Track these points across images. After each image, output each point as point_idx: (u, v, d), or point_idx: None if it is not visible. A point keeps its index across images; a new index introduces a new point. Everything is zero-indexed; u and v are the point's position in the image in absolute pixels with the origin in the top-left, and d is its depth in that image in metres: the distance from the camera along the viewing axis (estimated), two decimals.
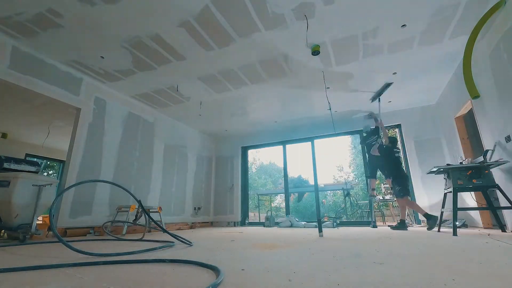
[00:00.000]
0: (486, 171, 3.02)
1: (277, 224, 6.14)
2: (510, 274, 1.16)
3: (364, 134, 5.65)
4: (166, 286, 1.09)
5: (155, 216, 4.75)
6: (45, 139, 7.14)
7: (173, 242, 2.61)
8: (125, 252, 1.94)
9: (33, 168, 3.42)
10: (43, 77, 3.69)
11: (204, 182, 7.04)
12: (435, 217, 3.83)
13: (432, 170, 3.46)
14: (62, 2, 2.79)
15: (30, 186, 3.07)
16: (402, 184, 4.35)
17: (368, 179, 5.43)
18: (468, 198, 4.19)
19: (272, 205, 13.58)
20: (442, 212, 3.60)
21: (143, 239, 3.10)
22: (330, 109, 5.37)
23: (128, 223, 3.93)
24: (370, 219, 6.17)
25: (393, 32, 3.35)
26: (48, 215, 5.30)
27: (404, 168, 5.17)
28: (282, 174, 7.61)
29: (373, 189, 5.28)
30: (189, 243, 2.55)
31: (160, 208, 4.66)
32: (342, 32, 3.34)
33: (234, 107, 5.62)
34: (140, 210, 4.08)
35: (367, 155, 5.49)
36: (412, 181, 5.35)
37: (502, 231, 3.15)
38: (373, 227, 4.97)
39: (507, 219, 3.20)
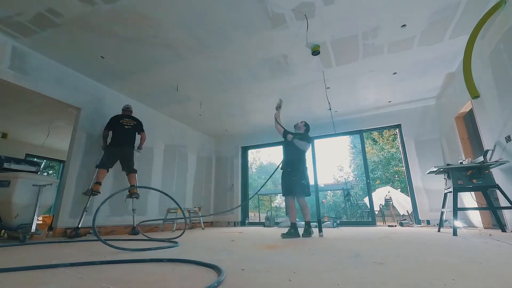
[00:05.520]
0: (486, 171, 3.02)
1: (277, 224, 6.13)
2: (510, 274, 1.16)
3: None
4: (167, 286, 1.09)
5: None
6: (45, 139, 7.14)
7: (177, 242, 2.63)
8: (146, 248, 2.19)
9: (33, 168, 3.42)
10: (43, 77, 3.69)
11: (204, 182, 7.04)
12: None
13: (432, 170, 3.46)
14: (62, 2, 2.79)
15: (30, 186, 3.07)
16: None
17: None
18: (468, 198, 4.18)
19: (272, 205, 13.59)
20: (442, 212, 3.60)
21: (144, 239, 3.10)
22: (330, 109, 5.37)
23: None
24: (369, 219, 6.15)
25: (393, 32, 3.35)
26: (48, 215, 5.31)
27: None
28: None
29: None
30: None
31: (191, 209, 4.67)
32: (342, 32, 3.34)
33: (234, 107, 5.62)
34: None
35: None
36: (412, 181, 5.35)
37: (502, 231, 3.15)
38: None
39: (507, 219, 3.20)
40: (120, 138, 4.12)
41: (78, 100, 4.11)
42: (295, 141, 3.60)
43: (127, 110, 4.52)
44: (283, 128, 3.76)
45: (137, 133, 4.43)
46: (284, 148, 3.84)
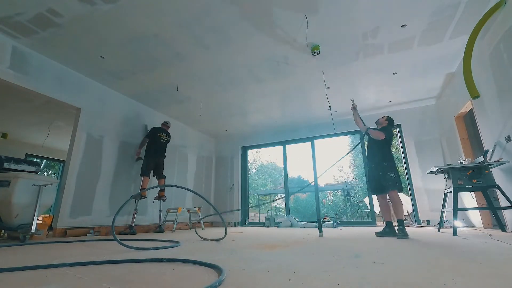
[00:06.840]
0: (486, 171, 3.02)
1: (277, 224, 6.13)
2: (510, 274, 1.16)
3: None
4: (167, 286, 1.09)
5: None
6: (45, 139, 7.13)
7: (178, 242, 2.63)
8: (146, 248, 2.21)
9: (33, 168, 3.41)
10: (43, 77, 3.69)
11: (204, 182, 7.04)
12: None
13: (432, 170, 3.46)
14: (62, 2, 2.79)
15: (30, 186, 3.07)
16: None
17: None
18: (468, 198, 4.18)
19: (272, 205, 13.59)
20: (442, 212, 3.60)
21: (147, 239, 3.09)
22: (330, 109, 5.36)
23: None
24: (369, 219, 6.13)
25: (393, 32, 3.35)
26: (48, 215, 5.31)
27: None
28: (282, 174, 7.61)
29: None
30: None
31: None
32: (342, 32, 3.34)
33: (234, 107, 5.62)
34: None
35: None
36: (412, 181, 5.35)
37: (502, 231, 3.15)
38: None
39: (507, 219, 3.20)
40: (157, 151, 4.88)
41: (78, 100, 4.11)
42: (369, 131, 3.47)
43: (165, 125, 5.22)
44: (364, 124, 3.67)
45: None
46: (367, 145, 3.69)
